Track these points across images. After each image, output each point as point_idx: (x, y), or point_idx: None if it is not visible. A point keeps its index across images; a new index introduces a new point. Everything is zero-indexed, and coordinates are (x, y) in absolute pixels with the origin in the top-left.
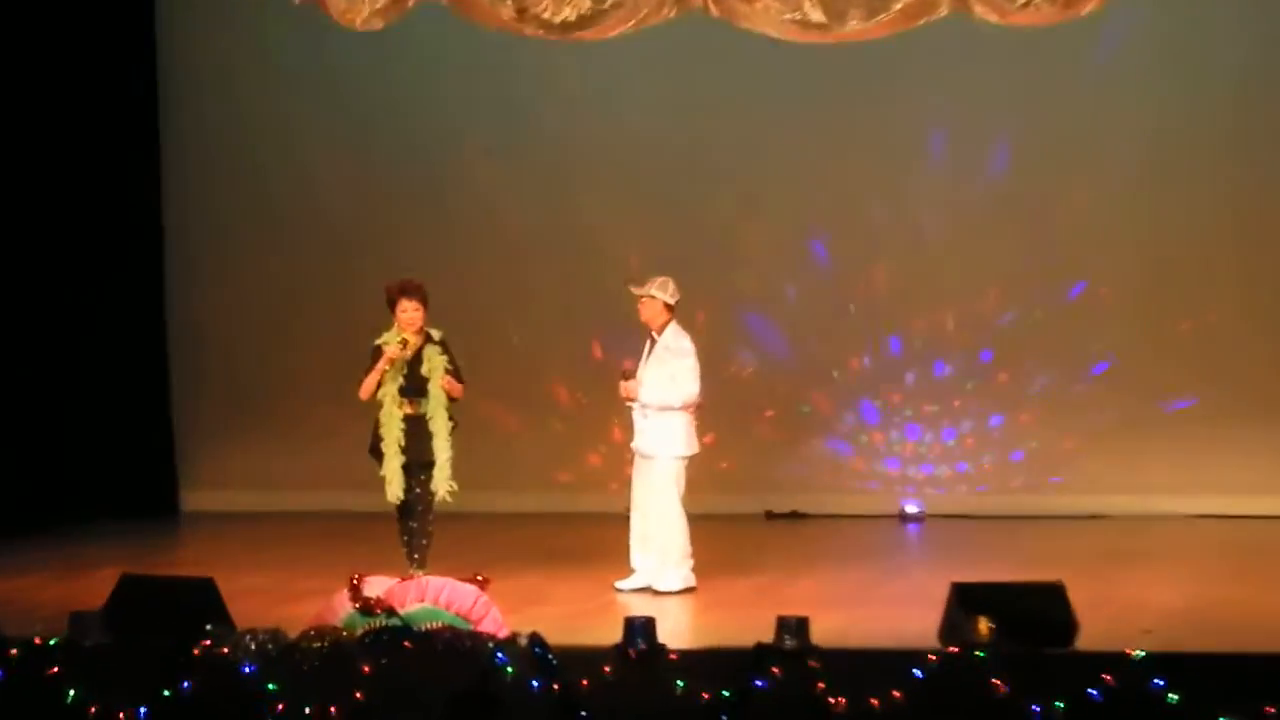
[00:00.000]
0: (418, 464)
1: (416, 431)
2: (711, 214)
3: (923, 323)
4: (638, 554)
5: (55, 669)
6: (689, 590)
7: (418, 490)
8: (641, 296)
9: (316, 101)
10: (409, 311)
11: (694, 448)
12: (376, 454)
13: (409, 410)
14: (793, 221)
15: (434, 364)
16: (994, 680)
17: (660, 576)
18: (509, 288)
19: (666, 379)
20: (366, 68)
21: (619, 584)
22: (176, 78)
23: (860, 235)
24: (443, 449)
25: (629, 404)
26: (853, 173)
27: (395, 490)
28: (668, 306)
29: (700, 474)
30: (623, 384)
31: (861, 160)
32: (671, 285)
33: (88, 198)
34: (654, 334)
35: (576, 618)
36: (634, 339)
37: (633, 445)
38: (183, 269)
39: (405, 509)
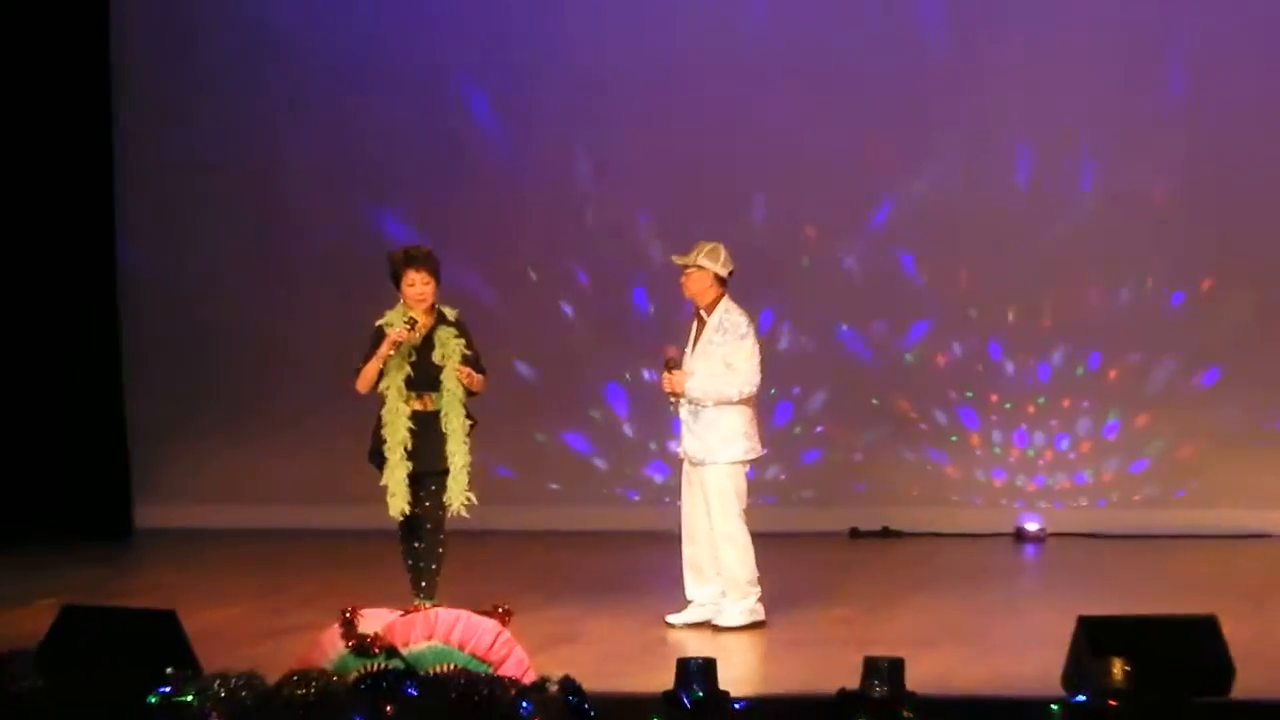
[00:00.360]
0: (428, 472)
1: (426, 432)
2: (776, 193)
3: (1023, 312)
4: (693, 583)
5: None
6: (756, 625)
7: (427, 504)
8: (687, 268)
9: (287, 73)
10: (417, 285)
11: (756, 450)
12: (377, 459)
13: (418, 406)
14: (866, 200)
15: (448, 349)
16: None
17: (721, 609)
18: (524, 269)
19: (720, 367)
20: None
21: (671, 618)
22: (133, 56)
23: (949, 216)
24: (458, 453)
25: (673, 401)
26: (939, 154)
27: (399, 504)
28: (719, 279)
29: (769, 485)
30: (665, 376)
31: (950, 147)
32: (723, 253)
33: (36, 178)
34: (702, 313)
35: (618, 659)
36: (677, 320)
37: (680, 450)
38: (138, 256)
39: (410, 527)
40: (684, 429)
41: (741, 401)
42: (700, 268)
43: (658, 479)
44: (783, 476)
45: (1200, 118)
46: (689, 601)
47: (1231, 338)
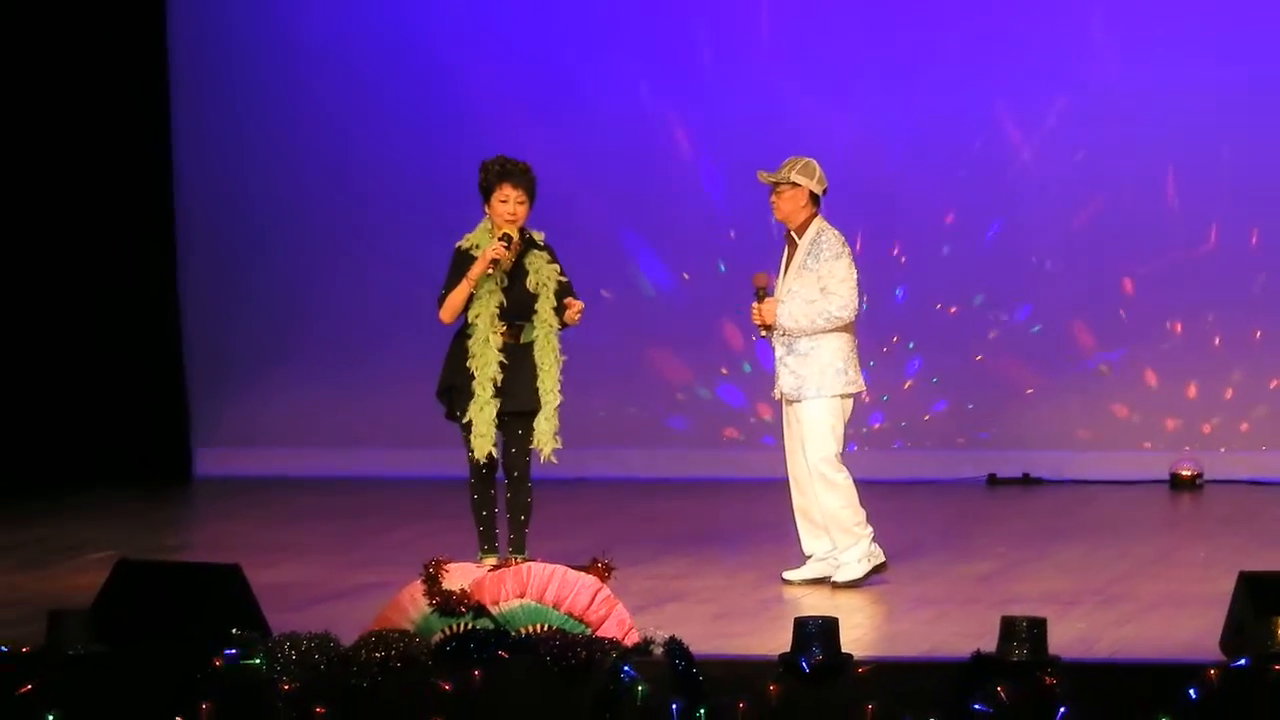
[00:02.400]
0: (517, 412)
1: (517, 368)
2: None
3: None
4: (807, 535)
5: (29, 685)
6: (878, 570)
7: (513, 449)
8: (779, 185)
9: (338, 49)
10: (510, 203)
11: (857, 384)
12: (453, 396)
13: (508, 339)
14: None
15: (543, 275)
16: None
17: (838, 563)
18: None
19: (814, 292)
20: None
21: (788, 574)
22: (189, 38)
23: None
24: (551, 392)
25: (765, 333)
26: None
27: (486, 446)
28: (813, 197)
29: (899, 427)
30: (755, 307)
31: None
32: (818, 170)
33: (99, 152)
34: (793, 234)
35: (729, 618)
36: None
37: (775, 391)
38: (196, 195)
39: (487, 473)
40: (778, 364)
41: (838, 330)
42: (794, 184)
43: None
44: (915, 419)
45: None
46: (807, 556)
47: None
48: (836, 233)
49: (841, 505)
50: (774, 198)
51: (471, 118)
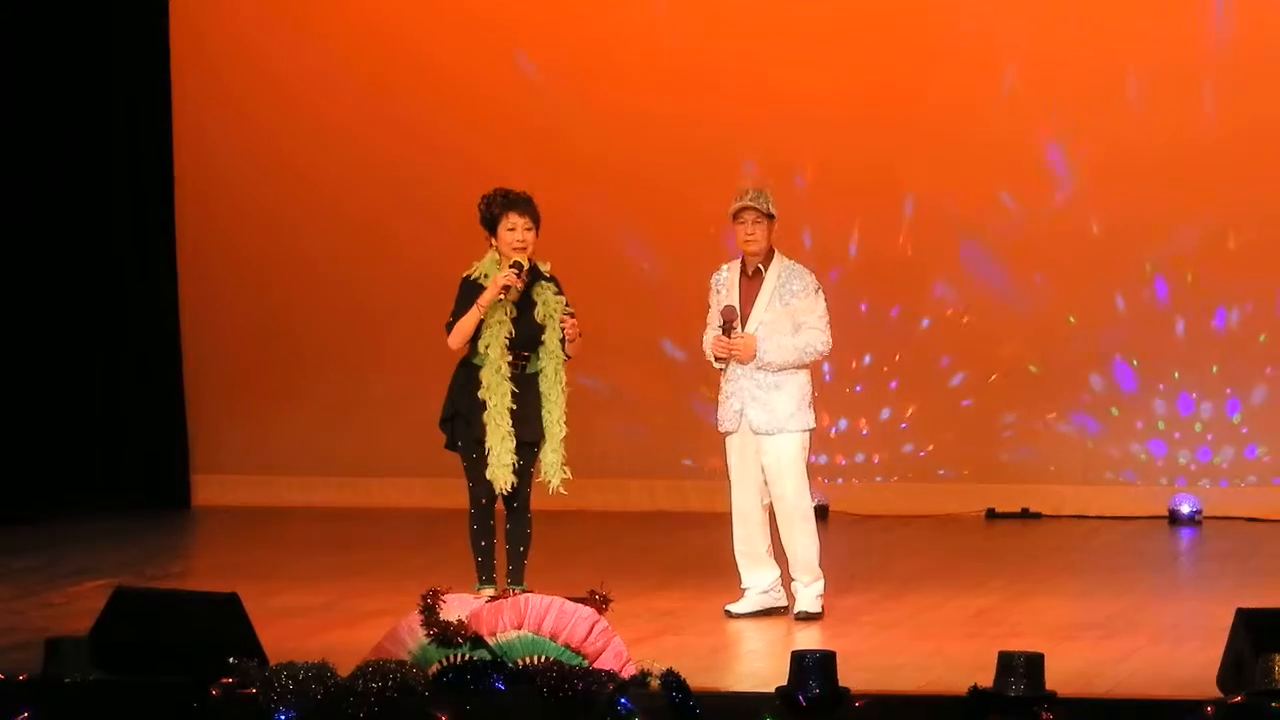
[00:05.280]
0: (521, 443)
1: (522, 399)
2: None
3: (1192, 254)
4: (750, 569)
5: (25, 713)
6: (819, 616)
7: (517, 479)
8: (757, 214)
9: (334, 71)
10: (519, 231)
11: (813, 419)
12: (455, 426)
13: (514, 369)
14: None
15: (550, 307)
16: None
17: (783, 595)
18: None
19: (787, 326)
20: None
21: (731, 607)
22: (189, 48)
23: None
24: (558, 423)
25: (719, 365)
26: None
27: (507, 475)
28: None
29: (898, 461)
30: (723, 340)
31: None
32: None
33: (95, 167)
34: (759, 266)
35: (726, 651)
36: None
37: (727, 423)
38: (198, 228)
39: (487, 504)
40: (738, 399)
41: (806, 366)
42: (771, 216)
43: None
44: (913, 452)
45: None
46: (744, 589)
47: None
48: (803, 267)
49: (813, 542)
50: (752, 228)
51: (482, 128)
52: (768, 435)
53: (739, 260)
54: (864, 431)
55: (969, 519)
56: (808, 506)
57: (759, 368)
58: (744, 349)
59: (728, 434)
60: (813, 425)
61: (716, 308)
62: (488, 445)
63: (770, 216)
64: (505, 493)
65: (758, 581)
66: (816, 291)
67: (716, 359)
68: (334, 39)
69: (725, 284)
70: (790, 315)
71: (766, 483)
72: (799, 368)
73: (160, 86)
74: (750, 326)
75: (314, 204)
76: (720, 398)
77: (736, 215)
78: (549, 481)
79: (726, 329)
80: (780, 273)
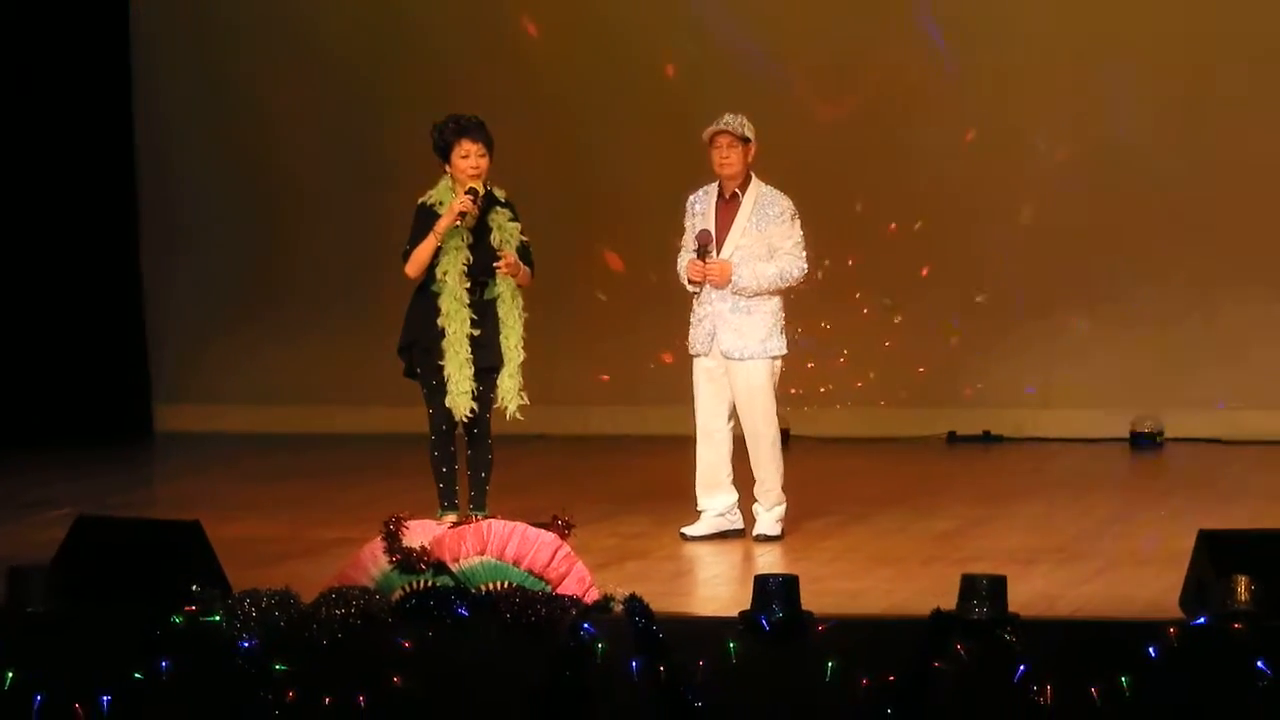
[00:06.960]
0: (481, 369)
1: (480, 325)
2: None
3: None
4: (708, 492)
5: None
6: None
7: (474, 407)
8: (732, 138)
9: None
10: (472, 157)
11: (785, 347)
12: (414, 354)
13: (472, 295)
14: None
15: (506, 232)
16: (1256, 661)
17: (740, 518)
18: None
19: (763, 251)
20: None
21: (686, 530)
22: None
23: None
24: (515, 349)
25: (694, 288)
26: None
27: (466, 402)
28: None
29: (858, 385)
30: (698, 264)
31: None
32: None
33: (58, 113)
34: (735, 192)
35: (689, 576)
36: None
37: (698, 346)
38: (158, 157)
39: (447, 430)
40: (710, 322)
41: (780, 292)
42: (746, 140)
43: None
44: (873, 376)
45: None
46: (699, 511)
47: None
48: (780, 193)
49: (778, 469)
50: (727, 151)
51: (434, 73)
52: (739, 360)
53: (716, 184)
54: (838, 357)
55: (930, 443)
56: (775, 432)
57: (734, 292)
58: (719, 273)
59: (697, 356)
60: (784, 351)
61: (692, 231)
62: (446, 372)
63: (746, 140)
64: (465, 420)
65: (714, 504)
66: (793, 217)
67: (691, 282)
68: None
69: (701, 207)
70: (766, 240)
71: (735, 407)
72: (773, 293)
73: (119, 29)
74: (726, 251)
75: (275, 132)
76: (692, 320)
77: (711, 139)
78: (506, 408)
79: (702, 253)
80: (757, 198)
